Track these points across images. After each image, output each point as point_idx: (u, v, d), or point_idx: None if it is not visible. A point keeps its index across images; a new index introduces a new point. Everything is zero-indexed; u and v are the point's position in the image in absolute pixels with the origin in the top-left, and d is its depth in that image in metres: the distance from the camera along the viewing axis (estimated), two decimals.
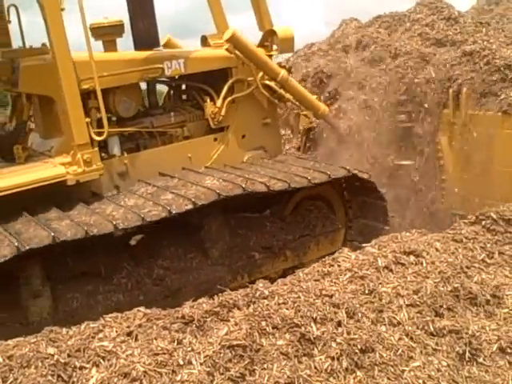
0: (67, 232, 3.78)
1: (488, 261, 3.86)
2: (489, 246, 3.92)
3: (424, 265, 3.63)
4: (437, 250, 3.77)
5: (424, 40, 7.04)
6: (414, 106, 6.55)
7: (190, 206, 4.10)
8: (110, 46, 5.05)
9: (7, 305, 3.94)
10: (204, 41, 5.92)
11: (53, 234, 3.72)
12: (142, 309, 3.26)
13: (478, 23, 7.00)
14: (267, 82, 5.53)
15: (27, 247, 3.60)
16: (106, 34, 4.95)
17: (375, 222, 5.34)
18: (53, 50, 4.29)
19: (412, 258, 3.65)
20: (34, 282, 3.95)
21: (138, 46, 5.17)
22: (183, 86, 5.62)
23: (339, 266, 3.65)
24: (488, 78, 6.03)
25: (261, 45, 5.63)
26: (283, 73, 5.48)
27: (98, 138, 4.53)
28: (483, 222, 4.09)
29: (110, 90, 4.72)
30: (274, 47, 5.65)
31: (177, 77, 5.34)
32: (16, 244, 3.61)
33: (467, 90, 6.08)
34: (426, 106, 6.48)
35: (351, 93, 6.82)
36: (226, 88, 5.33)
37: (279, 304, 3.22)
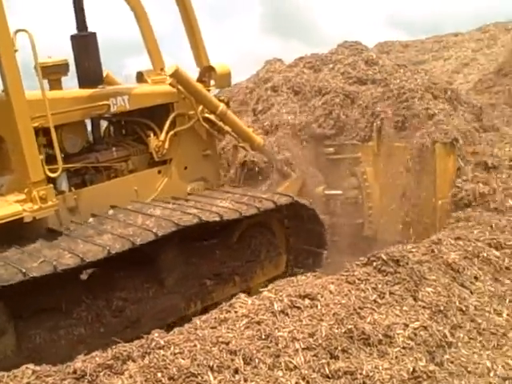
0: (36, 269, 3.82)
1: (379, 301, 3.98)
2: (380, 286, 4.02)
3: (319, 307, 3.70)
4: (331, 292, 3.84)
5: (347, 79, 7.52)
6: (341, 139, 7.08)
7: (128, 246, 4.14)
8: (55, 84, 5.13)
9: None
10: (140, 77, 6.10)
11: (24, 270, 3.75)
12: (30, 366, 3.10)
13: (396, 65, 7.64)
14: (207, 115, 5.79)
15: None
16: (52, 72, 5.03)
17: (314, 247, 5.64)
18: (7, 89, 4.33)
19: (307, 301, 3.72)
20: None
21: (83, 83, 5.30)
22: (126, 121, 5.73)
23: (236, 312, 3.66)
24: (407, 113, 6.65)
25: (199, 80, 5.86)
26: (222, 106, 5.77)
27: (52, 175, 4.60)
28: (374, 264, 4.18)
29: (57, 127, 4.75)
30: (212, 82, 5.94)
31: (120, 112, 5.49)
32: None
33: (389, 124, 6.69)
34: (352, 139, 7.03)
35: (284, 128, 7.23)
36: (168, 122, 5.53)
37: (175, 354, 3.17)
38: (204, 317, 3.73)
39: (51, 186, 4.59)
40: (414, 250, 4.61)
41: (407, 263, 4.24)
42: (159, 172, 5.58)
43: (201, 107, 5.75)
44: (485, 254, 4.72)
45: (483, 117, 7.44)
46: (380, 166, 6.85)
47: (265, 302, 3.66)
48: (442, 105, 6.87)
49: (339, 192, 7.01)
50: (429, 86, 7.05)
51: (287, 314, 3.59)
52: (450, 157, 6.28)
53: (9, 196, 4.55)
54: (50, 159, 4.72)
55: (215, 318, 3.61)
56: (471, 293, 4.39)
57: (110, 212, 5.00)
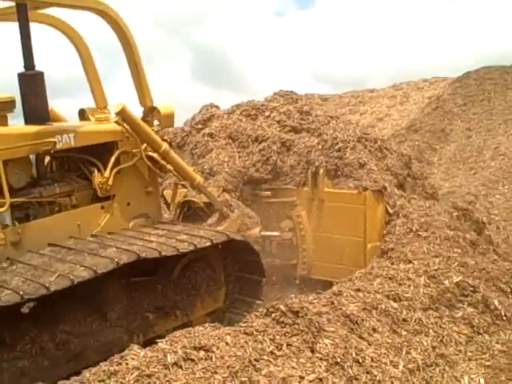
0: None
1: (277, 353, 3.96)
2: (278, 338, 4.03)
3: (213, 360, 3.62)
4: (227, 343, 3.79)
5: (282, 127, 7.92)
6: (277, 183, 7.51)
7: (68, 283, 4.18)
8: (1, 120, 5.12)
9: None
10: (82, 114, 6.21)
11: None
12: None
13: (329, 116, 8.11)
14: (150, 154, 5.90)
15: None
16: None
17: (253, 276, 5.86)
18: None
19: (202, 353, 3.64)
20: None
21: (29, 120, 5.30)
22: (71, 158, 5.75)
23: (127, 364, 3.52)
24: (339, 162, 7.14)
25: (143, 119, 5.97)
26: (165, 145, 5.91)
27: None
28: (273, 315, 4.23)
29: (3, 162, 4.78)
30: (155, 122, 6.12)
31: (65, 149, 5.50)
32: None
33: (323, 171, 7.12)
34: (288, 184, 7.47)
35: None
36: (112, 160, 5.63)
37: None
38: (94, 369, 3.59)
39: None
40: (314, 301, 4.69)
41: (306, 314, 4.27)
42: (102, 208, 5.65)
43: (144, 145, 5.85)
44: (383, 306, 4.81)
45: (411, 165, 8.04)
46: (314, 209, 7.24)
47: (158, 354, 3.56)
48: (372, 154, 7.35)
49: (275, 233, 7.32)
50: (360, 136, 7.53)
51: (180, 367, 3.50)
52: (378, 204, 6.79)
53: None
54: None
55: (104, 371, 3.45)
56: (369, 344, 4.44)
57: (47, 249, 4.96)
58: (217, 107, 9.11)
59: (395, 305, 4.91)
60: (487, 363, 4.73)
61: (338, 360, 4.05)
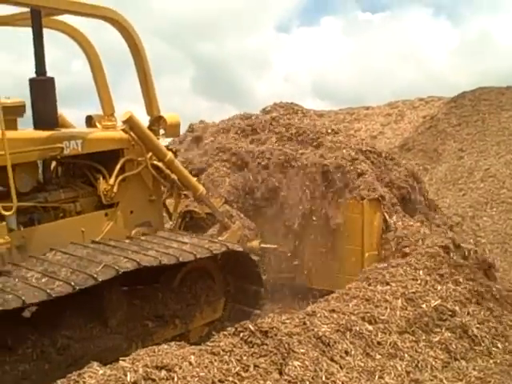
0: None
1: (243, 374, 3.79)
2: (245, 358, 3.85)
3: (175, 380, 3.46)
4: (190, 363, 3.61)
5: (282, 139, 8.07)
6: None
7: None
8: (10, 124, 5.15)
9: None
10: (89, 121, 6.31)
11: None
12: None
13: (330, 128, 8.20)
14: (155, 163, 6.02)
15: None
16: (8, 113, 5.02)
17: (252, 286, 5.92)
18: None
19: (164, 372, 3.48)
20: None
21: (38, 125, 5.39)
22: (77, 164, 5.82)
23: (84, 382, 3.43)
24: (339, 172, 7.17)
25: (149, 128, 6.07)
26: (170, 155, 6.04)
27: (6, 213, 4.63)
28: (241, 334, 4.04)
29: (11, 166, 4.78)
30: (161, 132, 6.22)
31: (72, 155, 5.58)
32: None
33: (322, 181, 7.22)
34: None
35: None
36: (118, 167, 5.72)
37: None
38: None
39: (4, 223, 4.63)
40: (287, 321, 4.60)
41: (276, 335, 4.15)
42: (106, 215, 5.72)
43: (149, 154, 5.96)
44: (358, 328, 4.70)
45: (416, 180, 8.07)
46: (312, 221, 7.34)
47: (117, 373, 3.39)
48: (375, 166, 7.46)
49: (274, 246, 7.36)
50: (361, 148, 7.66)
51: None
52: (375, 213, 6.84)
53: None
54: (1, 197, 4.76)
55: None
56: (340, 367, 4.31)
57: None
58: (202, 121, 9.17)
59: (370, 327, 4.82)
60: None
61: (307, 383, 3.97)
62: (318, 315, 4.74)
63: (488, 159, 12.43)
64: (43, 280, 4.39)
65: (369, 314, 4.94)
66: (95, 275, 4.39)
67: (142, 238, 5.59)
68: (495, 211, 10.20)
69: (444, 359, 4.89)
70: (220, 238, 6.26)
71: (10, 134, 5.03)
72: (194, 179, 6.51)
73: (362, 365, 4.43)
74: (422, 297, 5.36)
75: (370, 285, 5.49)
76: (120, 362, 3.64)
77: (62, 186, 5.62)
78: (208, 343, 4.02)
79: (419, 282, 5.58)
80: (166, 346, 3.92)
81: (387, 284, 5.48)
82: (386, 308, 5.11)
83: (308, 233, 7.45)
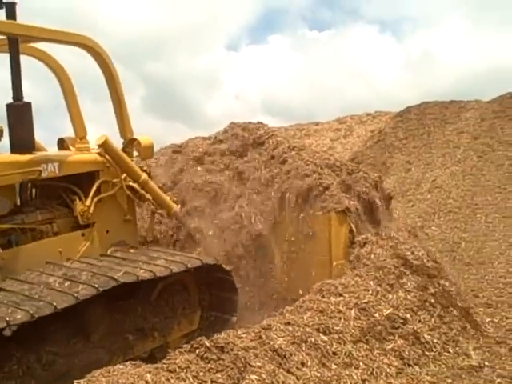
0: None
1: None
2: (201, 374, 3.86)
3: None
4: (147, 382, 3.61)
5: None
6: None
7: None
8: None
9: None
10: (61, 143, 6.47)
11: None
12: None
13: (293, 146, 8.25)
14: (130, 183, 6.22)
15: None
16: None
17: (226, 294, 6.11)
18: None
19: None
20: None
21: (15, 149, 5.51)
22: (53, 186, 5.92)
23: None
24: (306, 186, 7.38)
25: (123, 150, 6.24)
26: (144, 176, 6.24)
27: None
28: (197, 351, 4.04)
29: None
30: (135, 153, 6.42)
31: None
32: None
33: (290, 196, 7.43)
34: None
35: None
36: (94, 188, 5.90)
37: None
38: None
39: None
40: (243, 335, 4.63)
41: (232, 350, 4.16)
42: (83, 235, 5.87)
43: (124, 175, 6.13)
44: (313, 339, 4.76)
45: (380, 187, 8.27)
46: (282, 233, 7.53)
47: None
48: (339, 178, 7.61)
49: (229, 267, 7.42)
50: (326, 163, 7.81)
51: None
52: (342, 224, 7.06)
53: None
54: None
55: None
56: (297, 379, 4.36)
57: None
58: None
59: (325, 338, 4.89)
60: None
61: None
62: (274, 328, 4.79)
63: (434, 171, 12.75)
64: (66, 284, 4.64)
65: (323, 325, 5.02)
66: (116, 277, 4.68)
67: (131, 251, 5.84)
68: (442, 220, 10.49)
69: (398, 366, 5.03)
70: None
71: None
72: (168, 198, 6.68)
73: (319, 375, 4.49)
74: (374, 306, 5.47)
75: (323, 296, 5.55)
76: (75, 383, 3.61)
77: (38, 207, 5.72)
78: (164, 361, 4.02)
79: (371, 292, 5.68)
80: (121, 366, 3.90)
81: (340, 295, 5.55)
82: (340, 318, 5.21)
83: (278, 244, 7.64)
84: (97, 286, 4.60)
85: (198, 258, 5.77)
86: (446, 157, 13.17)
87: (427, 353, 5.33)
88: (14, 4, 5.36)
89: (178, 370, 3.89)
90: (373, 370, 4.85)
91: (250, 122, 9.01)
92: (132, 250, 5.97)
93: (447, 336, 5.64)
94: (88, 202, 5.82)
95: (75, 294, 4.49)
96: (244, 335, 4.59)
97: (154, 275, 5.01)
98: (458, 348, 5.57)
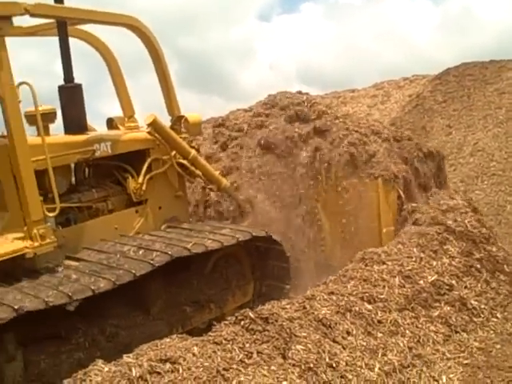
0: (54, 299, 4.26)
1: (247, 361, 3.82)
2: (247, 345, 3.89)
3: (180, 371, 3.48)
4: (194, 354, 3.65)
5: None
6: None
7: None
8: (44, 131, 5.31)
9: None
10: (110, 122, 6.66)
11: (46, 299, 4.20)
12: None
13: (336, 115, 8.29)
14: (180, 161, 6.33)
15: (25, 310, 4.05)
16: (42, 120, 5.24)
17: (278, 263, 6.17)
18: (11, 135, 4.69)
19: (168, 365, 3.51)
20: (9, 347, 4.31)
21: (68, 130, 5.73)
22: (105, 165, 6.09)
23: (91, 380, 3.44)
24: (354, 152, 7.51)
25: (171, 128, 6.37)
26: (193, 152, 6.35)
27: (50, 215, 4.94)
28: (242, 322, 4.08)
29: (47, 170, 5.05)
30: (183, 130, 6.50)
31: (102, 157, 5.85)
32: (15, 307, 4.04)
33: (336, 163, 7.53)
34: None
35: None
36: (145, 166, 6.04)
37: None
38: None
39: (49, 224, 4.91)
40: (287, 306, 4.63)
41: (276, 321, 4.17)
42: (136, 211, 6.05)
43: (173, 152, 6.26)
44: (357, 308, 4.73)
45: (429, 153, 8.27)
46: (331, 201, 7.65)
47: (122, 369, 3.41)
48: (385, 144, 7.68)
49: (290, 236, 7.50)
50: (372, 129, 7.89)
51: (146, 380, 3.37)
52: (390, 191, 7.26)
53: (6, 234, 4.87)
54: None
55: None
56: (343, 348, 4.36)
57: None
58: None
59: (370, 307, 4.85)
60: (465, 362, 4.73)
61: (311, 365, 3.99)
62: (318, 298, 4.77)
63: (476, 133, 12.43)
64: (140, 252, 4.92)
65: (367, 294, 4.98)
66: (189, 247, 4.97)
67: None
68: (486, 184, 10.30)
69: (445, 333, 4.98)
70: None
71: (49, 139, 5.36)
72: (217, 172, 6.81)
73: (365, 344, 4.48)
74: (418, 273, 5.39)
75: (366, 265, 5.48)
76: (124, 357, 3.68)
77: (92, 186, 5.91)
78: (210, 333, 4.07)
79: (414, 259, 5.59)
80: (167, 340, 3.96)
81: (383, 263, 5.47)
82: (384, 287, 5.15)
83: (325, 212, 7.73)
84: (170, 253, 4.87)
85: (262, 230, 5.93)
86: (487, 119, 12.82)
87: (474, 319, 5.25)
88: None
89: (224, 342, 3.93)
90: (419, 337, 4.82)
91: (287, 91, 8.96)
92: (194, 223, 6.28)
93: (495, 301, 5.54)
94: (140, 180, 5.96)
95: (151, 261, 4.73)
96: (288, 306, 4.59)
97: (221, 245, 5.25)
98: (506, 313, 5.47)
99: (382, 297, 5.00)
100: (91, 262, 4.87)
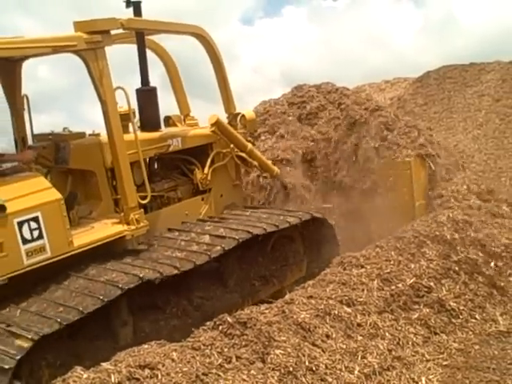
0: (166, 270, 5.14)
1: (226, 366, 3.60)
2: (226, 350, 3.75)
3: (159, 377, 3.31)
4: (173, 360, 3.52)
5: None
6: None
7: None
8: (125, 129, 5.81)
9: (103, 334, 4.94)
10: (167, 120, 7.21)
11: (161, 270, 5.17)
12: None
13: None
14: (239, 153, 7.01)
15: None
16: (123, 119, 5.72)
17: (329, 243, 6.96)
18: (112, 133, 5.34)
19: (147, 371, 3.37)
20: (123, 314, 5.03)
21: (145, 128, 6.28)
22: (174, 158, 6.73)
23: None
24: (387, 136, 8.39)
25: (229, 124, 6.99)
26: (250, 145, 7.08)
27: (143, 202, 5.64)
28: (220, 327, 3.95)
29: (131, 162, 5.62)
30: (239, 126, 7.08)
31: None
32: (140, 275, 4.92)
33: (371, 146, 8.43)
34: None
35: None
36: (210, 159, 6.72)
37: None
38: None
39: (142, 210, 5.57)
40: (265, 310, 4.63)
41: (255, 325, 4.04)
42: (202, 199, 6.77)
43: (232, 146, 6.93)
44: (336, 312, 4.55)
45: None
46: (367, 179, 8.63)
47: (101, 375, 3.25)
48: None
49: (329, 205, 8.40)
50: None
51: None
52: (421, 168, 8.21)
53: (104, 220, 5.56)
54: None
55: None
56: (323, 351, 4.20)
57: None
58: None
59: (349, 310, 4.73)
60: (444, 363, 4.64)
61: (291, 369, 3.83)
62: (297, 302, 4.60)
63: (456, 135, 12.49)
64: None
65: (346, 297, 4.83)
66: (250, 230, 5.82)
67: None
68: None
69: (424, 334, 4.88)
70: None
71: (132, 136, 5.75)
72: (269, 162, 7.59)
73: (344, 347, 4.36)
74: (397, 276, 5.21)
75: (345, 269, 5.35)
76: (102, 364, 3.71)
77: (163, 177, 6.47)
78: (188, 339, 4.08)
79: (392, 262, 5.42)
80: (146, 346, 4.00)
81: (362, 267, 5.26)
82: (363, 290, 5.03)
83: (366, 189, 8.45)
84: (251, 231, 5.66)
85: (318, 212, 6.80)
86: (467, 121, 12.95)
87: (453, 320, 5.21)
88: (139, 2, 5.96)
89: (202, 347, 3.86)
90: (399, 339, 4.73)
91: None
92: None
93: (473, 303, 5.49)
94: (206, 171, 6.66)
95: (236, 237, 5.55)
96: (267, 310, 4.48)
97: (300, 220, 6.31)
98: (484, 314, 5.43)
99: (361, 300, 4.93)
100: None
